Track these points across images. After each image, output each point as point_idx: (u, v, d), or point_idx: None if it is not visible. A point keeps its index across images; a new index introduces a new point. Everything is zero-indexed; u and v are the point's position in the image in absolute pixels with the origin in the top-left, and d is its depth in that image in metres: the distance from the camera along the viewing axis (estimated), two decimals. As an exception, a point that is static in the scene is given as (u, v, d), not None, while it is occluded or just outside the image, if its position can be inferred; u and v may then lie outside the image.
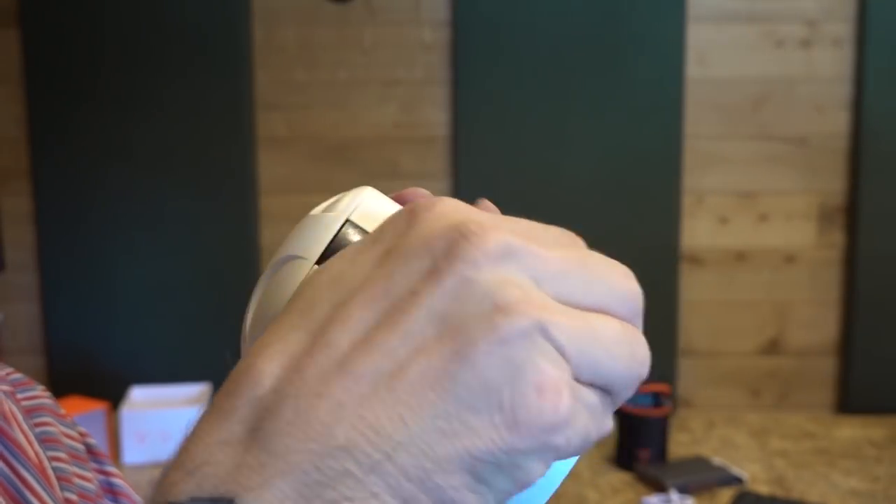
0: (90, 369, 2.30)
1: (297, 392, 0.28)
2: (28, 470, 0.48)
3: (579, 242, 0.32)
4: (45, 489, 0.48)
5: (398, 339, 0.28)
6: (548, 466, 0.29)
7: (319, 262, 0.36)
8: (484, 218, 0.30)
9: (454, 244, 0.29)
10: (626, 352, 0.31)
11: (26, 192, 2.28)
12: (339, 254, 0.32)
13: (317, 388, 0.27)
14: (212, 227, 2.27)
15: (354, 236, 0.36)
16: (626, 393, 0.31)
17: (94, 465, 0.56)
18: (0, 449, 0.47)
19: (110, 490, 0.56)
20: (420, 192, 0.39)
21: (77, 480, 0.52)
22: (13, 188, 2.28)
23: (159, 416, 1.99)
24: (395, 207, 0.39)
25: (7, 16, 2.22)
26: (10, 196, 2.29)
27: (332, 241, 0.36)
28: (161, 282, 2.29)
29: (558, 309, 0.29)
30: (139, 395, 2.10)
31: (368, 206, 0.39)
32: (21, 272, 2.31)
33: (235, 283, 2.29)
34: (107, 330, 2.31)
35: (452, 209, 0.31)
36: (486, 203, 0.36)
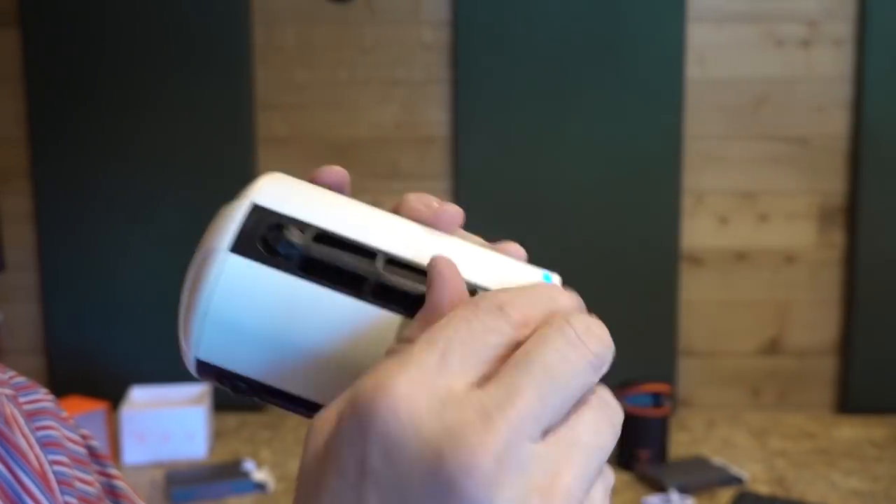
0: (90, 369, 2.30)
1: None
2: (28, 475, 0.48)
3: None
4: (44, 494, 0.48)
5: None
6: None
7: (233, 249, 0.36)
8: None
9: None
10: (608, 430, 0.32)
11: (26, 192, 2.29)
12: None
13: None
14: (212, 227, 2.27)
15: (264, 219, 0.37)
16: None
17: (95, 466, 0.56)
18: (1, 454, 0.47)
19: (112, 492, 0.56)
20: (335, 171, 0.40)
21: (78, 484, 0.53)
22: (13, 188, 2.28)
23: (159, 416, 2.00)
24: (302, 186, 0.39)
25: (7, 16, 2.22)
26: (10, 196, 2.29)
27: (241, 227, 0.37)
28: (161, 282, 2.29)
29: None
30: (139, 395, 2.10)
31: (273, 188, 0.39)
32: (21, 272, 2.31)
33: (235, 283, 2.29)
34: (107, 330, 2.31)
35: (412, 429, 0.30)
36: (514, 246, 0.37)
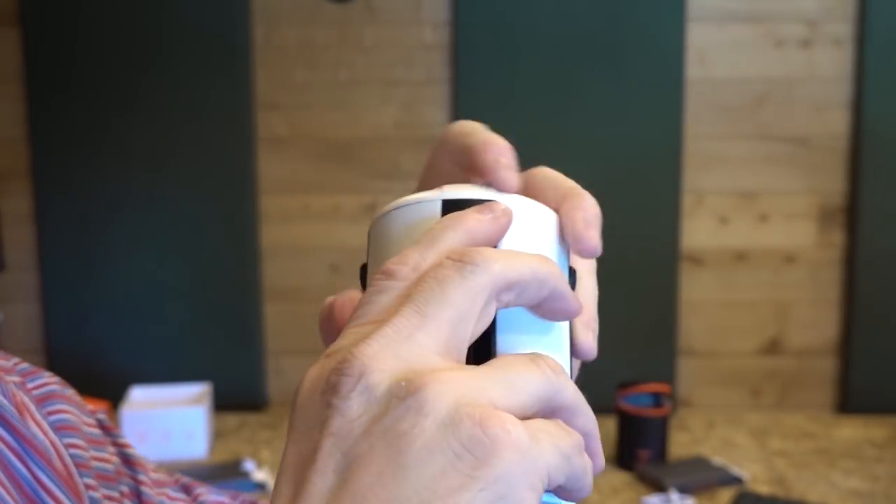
0: (90, 369, 2.30)
1: None
2: (46, 473, 0.48)
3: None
4: (63, 492, 0.48)
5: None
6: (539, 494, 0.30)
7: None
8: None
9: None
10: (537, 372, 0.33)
11: (26, 192, 2.29)
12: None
13: None
14: (212, 227, 2.27)
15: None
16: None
17: (109, 439, 0.57)
18: (19, 451, 0.48)
19: (126, 461, 0.57)
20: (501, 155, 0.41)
21: (95, 463, 0.53)
22: (13, 188, 2.28)
23: (159, 415, 2.00)
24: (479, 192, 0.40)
25: (7, 16, 2.22)
26: (10, 196, 2.29)
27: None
28: (161, 282, 2.29)
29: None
30: (139, 395, 2.10)
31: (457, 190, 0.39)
32: (21, 272, 2.31)
33: (235, 283, 2.29)
34: (107, 330, 2.31)
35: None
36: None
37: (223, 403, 2.19)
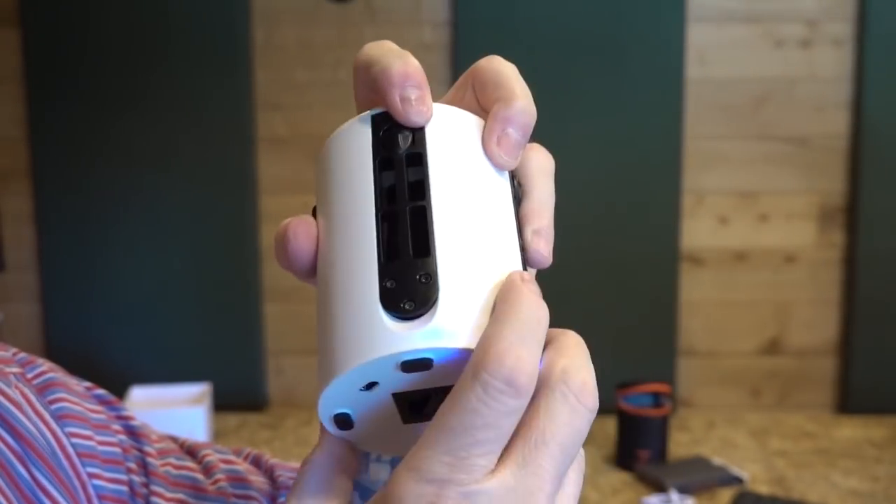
0: (90, 369, 2.29)
1: None
2: (46, 476, 0.49)
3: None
4: (62, 494, 0.49)
5: None
6: None
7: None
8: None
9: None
10: (581, 479, 0.36)
11: (26, 192, 2.29)
12: None
13: None
14: (212, 227, 2.27)
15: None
16: None
17: (111, 413, 0.57)
18: (20, 454, 0.48)
19: (131, 433, 0.57)
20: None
21: (101, 448, 0.53)
22: (13, 188, 2.29)
23: (159, 416, 1.99)
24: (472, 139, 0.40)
25: (7, 16, 2.22)
26: (10, 196, 2.29)
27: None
28: (161, 282, 2.29)
29: None
30: (139, 395, 2.10)
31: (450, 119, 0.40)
32: (21, 272, 2.31)
33: (235, 283, 2.29)
34: (107, 330, 2.31)
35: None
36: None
37: (223, 403, 2.19)
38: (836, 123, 2.23)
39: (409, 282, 0.34)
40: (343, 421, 0.36)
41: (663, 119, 2.22)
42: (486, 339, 0.33)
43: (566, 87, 2.21)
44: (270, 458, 0.63)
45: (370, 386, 0.35)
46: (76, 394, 0.55)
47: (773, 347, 2.32)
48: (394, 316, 0.34)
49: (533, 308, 0.34)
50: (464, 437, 0.32)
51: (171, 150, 2.25)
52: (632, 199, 2.23)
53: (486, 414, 0.32)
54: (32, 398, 0.51)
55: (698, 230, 2.28)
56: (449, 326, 0.33)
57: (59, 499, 0.48)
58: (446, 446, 0.32)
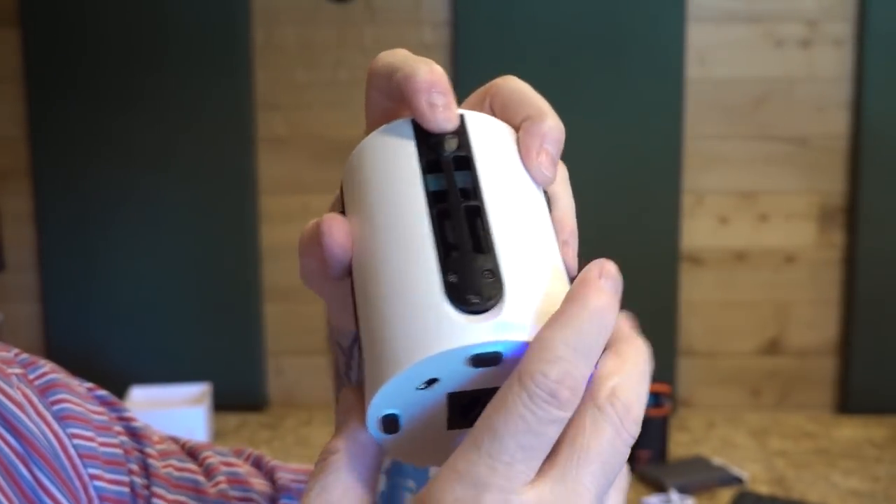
0: (90, 369, 2.29)
1: None
2: (48, 476, 0.49)
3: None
4: (64, 495, 0.49)
5: None
6: None
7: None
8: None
9: None
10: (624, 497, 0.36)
11: (26, 192, 2.29)
12: None
13: None
14: (212, 227, 2.27)
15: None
16: None
17: (113, 415, 0.57)
18: (22, 454, 0.48)
19: (132, 434, 0.57)
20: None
21: (103, 450, 0.53)
22: (13, 188, 2.29)
23: (159, 416, 1.99)
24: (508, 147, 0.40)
25: (7, 16, 2.22)
26: (10, 196, 2.29)
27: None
28: (161, 282, 2.29)
29: None
30: (139, 395, 2.10)
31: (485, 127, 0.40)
32: (21, 272, 2.31)
33: (235, 283, 2.29)
34: (107, 330, 2.31)
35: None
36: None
37: (223, 403, 2.19)
38: (836, 123, 2.23)
39: (473, 276, 0.34)
40: (391, 423, 0.35)
41: (663, 119, 2.22)
42: (539, 343, 0.32)
43: (566, 87, 2.21)
44: (271, 460, 0.63)
45: (429, 383, 0.34)
46: (78, 395, 0.55)
47: (773, 347, 2.32)
48: (461, 310, 0.33)
49: (597, 314, 0.33)
50: (508, 440, 0.31)
51: (171, 150, 2.25)
52: (632, 199, 2.23)
53: (530, 420, 0.31)
54: (34, 399, 0.51)
55: (698, 230, 2.28)
56: (517, 320, 0.33)
57: (61, 499, 0.49)
58: (490, 448, 0.31)
